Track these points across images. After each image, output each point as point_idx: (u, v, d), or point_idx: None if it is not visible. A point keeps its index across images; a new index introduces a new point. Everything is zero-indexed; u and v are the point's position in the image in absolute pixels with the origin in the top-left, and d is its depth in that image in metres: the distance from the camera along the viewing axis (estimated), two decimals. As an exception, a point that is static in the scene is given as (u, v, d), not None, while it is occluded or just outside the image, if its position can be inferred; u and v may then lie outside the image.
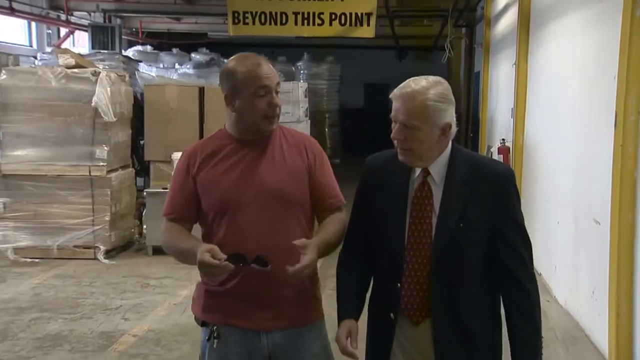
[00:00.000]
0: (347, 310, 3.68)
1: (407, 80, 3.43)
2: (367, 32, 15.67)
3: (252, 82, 3.71)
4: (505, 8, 14.86)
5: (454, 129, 3.47)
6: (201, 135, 12.57)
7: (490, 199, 3.43)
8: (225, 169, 3.80)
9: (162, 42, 27.45)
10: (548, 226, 10.15)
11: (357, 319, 3.67)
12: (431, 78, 3.45)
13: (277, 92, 3.79)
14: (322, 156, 3.94)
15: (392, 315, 3.58)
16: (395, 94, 3.45)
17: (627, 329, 6.39)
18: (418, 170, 3.55)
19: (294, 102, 16.04)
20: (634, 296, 6.32)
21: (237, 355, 3.74)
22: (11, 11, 18.90)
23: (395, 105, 3.42)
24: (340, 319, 3.65)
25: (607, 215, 6.68)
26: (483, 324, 3.59)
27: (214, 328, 3.75)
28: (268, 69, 3.80)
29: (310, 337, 3.82)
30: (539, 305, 3.53)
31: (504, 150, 13.06)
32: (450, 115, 3.42)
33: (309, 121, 17.17)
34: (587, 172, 8.02)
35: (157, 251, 11.41)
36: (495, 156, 13.51)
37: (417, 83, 3.39)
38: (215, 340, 3.73)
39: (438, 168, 3.50)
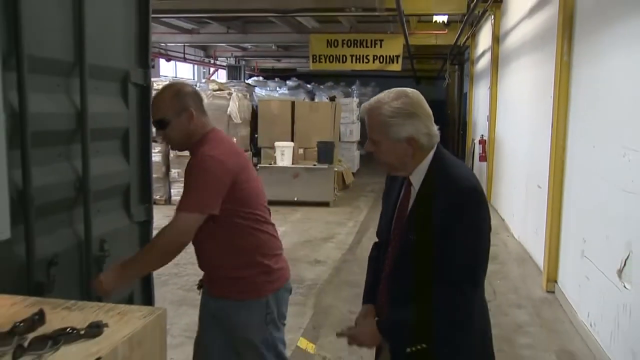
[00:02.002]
0: (364, 298, 2.52)
1: (376, 95, 2.28)
2: (396, 67, 15.85)
3: None
4: (483, 53, 14.67)
5: (425, 141, 2.20)
6: (292, 132, 12.74)
7: (446, 212, 2.11)
8: None
9: (269, 74, 27.64)
10: (509, 189, 10.11)
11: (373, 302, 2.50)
12: (394, 92, 2.23)
13: (158, 127, 2.81)
14: (192, 169, 2.70)
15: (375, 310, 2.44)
16: (360, 110, 2.43)
17: (555, 253, 6.35)
18: None
19: (350, 110, 16.16)
20: (560, 233, 6.28)
21: (204, 305, 3.01)
22: (184, 59, 20.38)
23: None
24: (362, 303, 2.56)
25: (546, 182, 6.63)
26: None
27: (200, 279, 3.05)
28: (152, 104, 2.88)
29: (231, 308, 2.85)
30: (445, 327, 2.16)
31: (482, 141, 12.89)
32: (411, 129, 2.17)
33: (360, 123, 17.20)
34: (534, 156, 7.93)
35: (266, 202, 11.44)
36: (477, 146, 13.43)
37: (378, 99, 2.23)
38: (200, 289, 3.05)
39: (417, 176, 2.25)
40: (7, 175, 1.85)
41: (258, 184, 2.94)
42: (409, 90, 2.25)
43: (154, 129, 2.94)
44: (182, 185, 2.79)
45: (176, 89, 2.82)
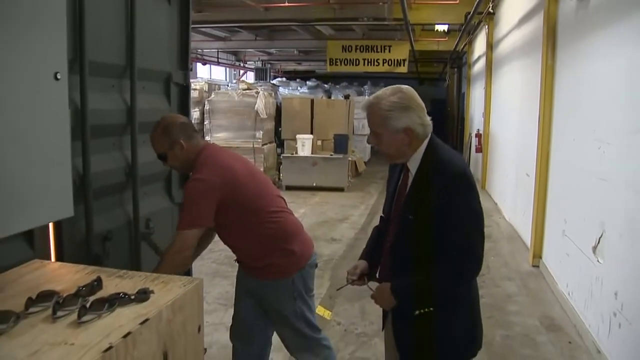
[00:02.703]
0: (361, 255, 2.52)
1: (375, 93, 2.22)
2: (402, 69, 15.75)
3: None
4: (478, 58, 14.49)
5: (420, 131, 2.16)
6: (312, 126, 12.69)
7: (441, 195, 2.06)
8: None
9: (291, 75, 27.52)
10: (501, 177, 10.04)
11: (368, 261, 2.46)
12: (390, 89, 2.18)
13: (161, 160, 2.75)
14: (185, 193, 2.63)
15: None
16: (361, 106, 2.28)
17: (540, 233, 6.31)
18: None
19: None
20: (545, 215, 6.24)
21: (239, 280, 3.01)
22: (218, 63, 20.59)
23: None
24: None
25: (533, 171, 6.58)
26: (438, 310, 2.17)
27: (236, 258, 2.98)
28: None
29: (262, 287, 2.85)
30: (443, 288, 2.14)
31: (478, 135, 12.71)
32: (407, 120, 2.12)
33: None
34: (523, 147, 7.87)
35: (288, 187, 11.35)
36: (473, 139, 13.29)
37: (376, 96, 2.18)
38: (238, 264, 2.99)
39: (414, 163, 2.19)
40: (71, 162, 1.89)
41: (260, 180, 2.86)
42: (403, 86, 2.20)
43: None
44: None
45: (164, 126, 2.70)
